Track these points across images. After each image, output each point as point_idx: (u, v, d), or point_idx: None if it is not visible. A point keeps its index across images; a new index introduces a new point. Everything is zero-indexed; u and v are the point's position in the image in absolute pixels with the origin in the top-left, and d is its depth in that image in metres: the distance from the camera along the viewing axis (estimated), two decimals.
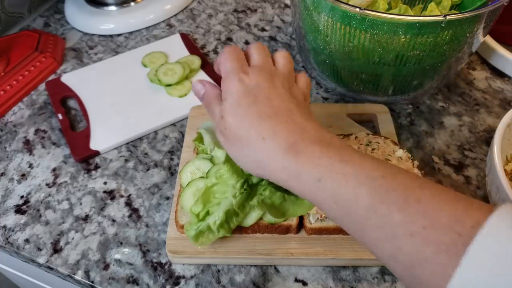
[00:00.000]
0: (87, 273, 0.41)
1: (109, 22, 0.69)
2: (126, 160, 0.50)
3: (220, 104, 0.34)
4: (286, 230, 0.40)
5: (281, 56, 0.37)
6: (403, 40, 0.43)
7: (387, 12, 0.47)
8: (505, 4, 0.43)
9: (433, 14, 0.52)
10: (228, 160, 0.38)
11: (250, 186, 0.38)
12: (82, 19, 0.69)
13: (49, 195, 0.47)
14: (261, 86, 0.33)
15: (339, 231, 0.40)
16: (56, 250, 0.42)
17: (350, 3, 0.48)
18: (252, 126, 0.31)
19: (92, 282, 0.40)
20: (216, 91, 0.36)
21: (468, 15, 0.41)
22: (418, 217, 0.25)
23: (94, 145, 0.50)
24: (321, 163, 0.29)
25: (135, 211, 0.45)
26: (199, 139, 0.44)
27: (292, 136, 0.30)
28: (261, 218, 0.40)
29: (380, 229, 0.26)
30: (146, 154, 0.51)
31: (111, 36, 0.68)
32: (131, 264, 0.41)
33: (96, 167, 0.49)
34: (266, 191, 0.38)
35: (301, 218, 0.40)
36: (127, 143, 0.52)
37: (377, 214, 0.27)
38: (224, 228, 0.38)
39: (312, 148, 0.30)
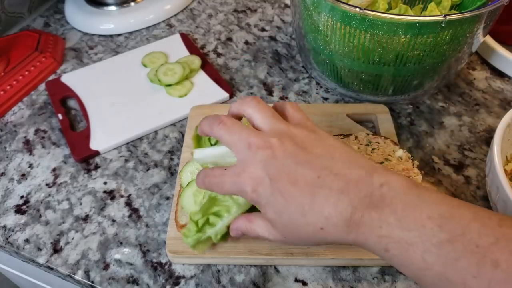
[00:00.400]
0: (87, 273, 0.41)
1: (109, 22, 0.69)
2: (126, 160, 0.50)
3: (261, 222, 0.33)
4: None
5: (256, 110, 0.33)
6: (403, 40, 0.43)
7: (387, 12, 0.47)
8: (505, 4, 0.43)
9: (433, 14, 0.52)
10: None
11: None
12: (82, 19, 0.69)
13: (49, 195, 0.47)
14: (274, 178, 0.30)
15: None
16: (56, 250, 0.42)
17: (350, 3, 0.48)
18: (303, 226, 0.30)
19: (92, 282, 0.40)
20: (241, 219, 0.35)
21: (468, 15, 0.41)
22: (497, 283, 0.24)
23: (94, 145, 0.50)
24: (383, 233, 0.27)
25: (135, 211, 0.45)
26: (196, 142, 0.41)
27: (343, 212, 0.28)
28: None
29: None
30: (146, 154, 0.51)
31: (111, 36, 0.68)
32: (131, 264, 0.41)
33: (96, 167, 0.49)
34: None
35: None
36: (127, 143, 0.52)
37: (451, 282, 0.25)
38: (225, 238, 0.37)
39: (369, 215, 0.28)
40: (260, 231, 0.33)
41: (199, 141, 0.39)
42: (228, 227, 0.36)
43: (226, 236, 0.37)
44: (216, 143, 0.38)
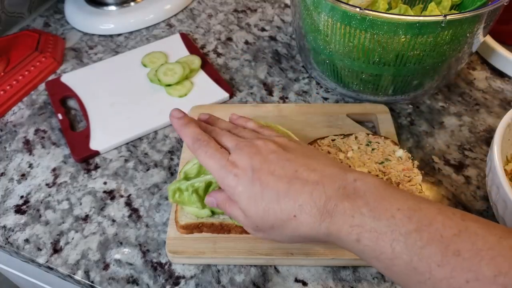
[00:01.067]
0: (87, 273, 0.40)
1: (109, 22, 0.69)
2: (126, 160, 0.50)
3: (236, 207, 0.34)
4: None
5: (228, 127, 0.39)
6: (403, 40, 0.43)
7: (387, 12, 0.47)
8: (505, 4, 0.43)
9: (433, 14, 0.52)
10: None
11: None
12: (82, 19, 0.69)
13: (49, 195, 0.47)
14: (256, 168, 0.32)
15: None
16: (56, 250, 0.42)
17: (350, 3, 0.48)
18: (277, 212, 0.31)
19: (92, 282, 0.40)
20: (224, 195, 0.35)
21: (468, 15, 0.41)
22: (460, 271, 0.25)
23: (94, 145, 0.50)
24: (355, 223, 0.29)
25: (135, 211, 0.45)
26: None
27: (317, 200, 0.30)
28: None
29: (423, 285, 0.26)
30: (146, 154, 0.51)
31: (111, 36, 0.68)
32: (131, 264, 0.41)
33: (96, 167, 0.49)
34: None
35: None
36: (127, 143, 0.52)
37: (417, 271, 0.26)
38: (199, 196, 0.38)
39: (342, 205, 0.29)
40: (236, 214, 0.34)
41: None
42: (207, 185, 0.38)
43: (200, 194, 0.39)
44: None
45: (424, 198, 0.29)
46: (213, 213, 0.40)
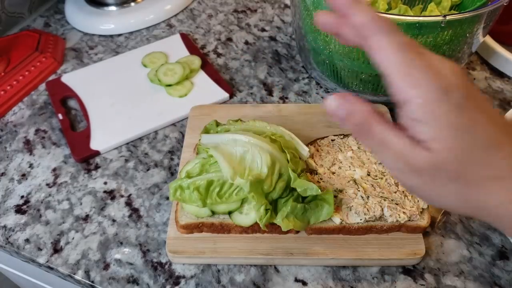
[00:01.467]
0: (87, 273, 0.41)
1: (109, 22, 0.69)
2: (126, 160, 0.50)
3: (395, 130, 0.24)
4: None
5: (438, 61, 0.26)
6: None
7: (386, 12, 0.47)
8: (505, 4, 0.43)
9: (433, 14, 0.52)
10: (253, 189, 0.37)
11: (271, 203, 0.39)
12: (82, 19, 0.69)
13: (49, 195, 0.47)
14: (470, 95, 0.23)
15: (339, 231, 0.40)
16: (56, 250, 0.42)
17: None
18: (480, 161, 0.23)
19: (92, 282, 0.40)
20: (367, 107, 0.25)
21: (468, 15, 0.41)
22: None
23: (94, 145, 0.50)
24: None
25: (135, 211, 0.45)
26: (204, 130, 0.44)
27: None
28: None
29: None
30: (146, 154, 0.51)
31: (111, 36, 0.68)
32: (131, 264, 0.41)
33: (96, 167, 0.50)
34: (287, 205, 0.38)
35: None
36: (127, 143, 0.52)
37: None
38: (200, 194, 0.38)
39: None
40: (388, 138, 0.24)
41: (207, 130, 0.45)
42: (208, 183, 0.38)
43: (202, 192, 0.38)
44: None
45: None
46: (213, 212, 0.40)
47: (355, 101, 0.24)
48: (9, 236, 0.44)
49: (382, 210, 0.40)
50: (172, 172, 0.49)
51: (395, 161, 0.24)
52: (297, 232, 0.41)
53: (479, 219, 0.25)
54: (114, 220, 0.44)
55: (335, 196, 0.40)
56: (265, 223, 0.38)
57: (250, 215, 0.39)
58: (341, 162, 0.44)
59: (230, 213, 0.40)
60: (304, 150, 0.43)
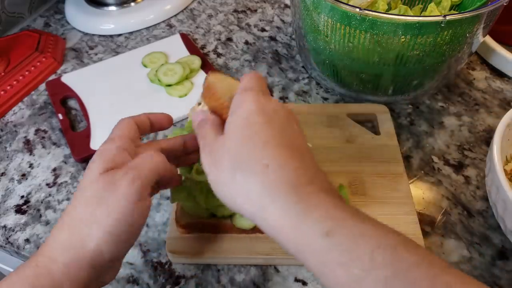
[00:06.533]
0: None
1: (109, 22, 0.69)
2: None
3: (217, 125, 0.30)
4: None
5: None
6: (403, 40, 0.44)
7: (387, 12, 0.47)
8: (505, 4, 0.43)
9: (432, 14, 0.52)
10: None
11: None
12: (82, 19, 0.69)
13: (50, 195, 0.47)
14: (278, 113, 0.28)
15: None
16: None
17: (350, 3, 0.48)
18: (257, 149, 0.26)
19: None
20: (213, 116, 0.31)
21: (467, 15, 0.41)
22: None
23: (94, 145, 0.50)
24: (335, 215, 0.24)
25: None
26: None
27: (305, 175, 0.25)
28: None
29: None
30: None
31: (111, 36, 0.68)
32: (131, 264, 0.41)
33: None
34: None
35: None
36: None
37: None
38: (201, 197, 0.38)
39: (325, 195, 0.25)
40: (205, 128, 0.30)
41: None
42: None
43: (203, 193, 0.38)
44: None
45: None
46: (213, 215, 0.40)
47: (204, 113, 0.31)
48: (9, 236, 0.44)
49: None
50: None
51: (205, 144, 0.29)
52: None
53: (246, 215, 0.27)
54: None
55: None
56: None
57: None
58: None
59: (231, 216, 0.40)
60: None
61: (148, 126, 0.35)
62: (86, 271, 0.27)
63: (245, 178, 0.26)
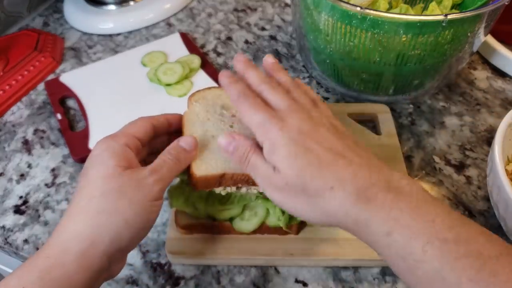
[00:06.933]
0: None
1: (108, 21, 0.68)
2: None
3: (264, 159, 0.31)
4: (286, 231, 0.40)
5: (289, 82, 0.34)
6: (404, 39, 0.43)
7: (388, 11, 0.47)
8: (506, 3, 0.43)
9: (434, 13, 0.51)
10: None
11: None
12: (81, 19, 0.69)
13: (48, 195, 0.47)
14: (304, 131, 0.30)
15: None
16: None
17: (351, 2, 0.47)
18: (315, 176, 0.29)
19: None
20: (249, 141, 0.32)
21: (469, 14, 0.41)
22: None
23: (93, 145, 0.50)
24: (391, 216, 0.27)
25: None
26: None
27: (360, 181, 0.28)
28: (262, 222, 0.39)
29: None
30: None
31: (110, 35, 0.68)
32: (130, 264, 0.41)
33: None
34: None
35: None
36: None
37: (445, 281, 0.25)
38: (201, 201, 0.38)
39: (383, 195, 0.28)
40: (259, 164, 0.31)
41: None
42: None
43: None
44: None
45: (469, 219, 0.28)
46: (214, 219, 0.40)
47: (239, 138, 0.32)
48: (8, 237, 0.44)
49: None
50: None
51: (263, 180, 0.31)
52: (298, 232, 0.40)
53: (334, 226, 0.30)
54: None
55: None
56: (285, 222, 0.38)
57: (252, 221, 0.39)
58: None
59: (231, 219, 0.40)
60: None
61: (166, 127, 0.37)
62: (99, 260, 0.29)
63: (319, 202, 0.29)
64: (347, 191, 0.28)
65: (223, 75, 0.34)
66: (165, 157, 0.33)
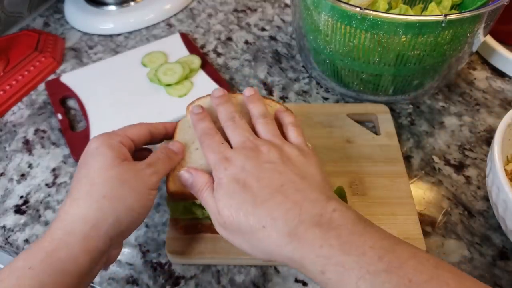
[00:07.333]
0: None
1: (108, 21, 0.68)
2: None
3: (212, 196, 0.33)
4: None
5: (259, 114, 0.37)
6: (403, 40, 0.43)
7: (387, 12, 0.47)
8: (506, 4, 0.43)
9: (433, 14, 0.51)
10: None
11: None
12: (81, 19, 0.69)
13: (49, 195, 0.47)
14: (247, 169, 0.32)
15: None
16: None
17: (350, 2, 0.47)
18: (249, 215, 0.30)
19: (92, 282, 0.40)
20: (204, 178, 0.34)
21: (468, 14, 0.41)
22: None
23: None
24: (323, 253, 0.28)
25: None
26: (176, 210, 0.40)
27: (290, 220, 0.29)
28: None
29: None
30: None
31: (110, 35, 0.68)
32: (130, 264, 0.41)
33: None
34: None
35: None
36: None
37: None
38: (200, 205, 0.38)
39: (313, 232, 0.28)
40: (210, 202, 0.33)
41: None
42: None
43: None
44: None
45: (401, 241, 0.28)
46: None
47: (196, 174, 0.35)
48: (9, 237, 0.44)
49: None
50: None
51: (212, 216, 0.33)
52: None
53: (278, 264, 0.32)
54: None
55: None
56: None
57: None
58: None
59: None
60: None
61: (162, 134, 0.39)
62: (102, 242, 0.30)
63: (255, 241, 0.30)
64: (279, 231, 0.29)
65: (192, 112, 0.39)
66: (158, 154, 0.36)
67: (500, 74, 0.59)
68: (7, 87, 0.57)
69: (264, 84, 0.59)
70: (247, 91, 0.40)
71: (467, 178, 0.47)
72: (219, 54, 0.64)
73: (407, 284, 0.25)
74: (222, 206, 0.31)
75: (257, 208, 0.30)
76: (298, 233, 0.29)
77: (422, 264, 0.26)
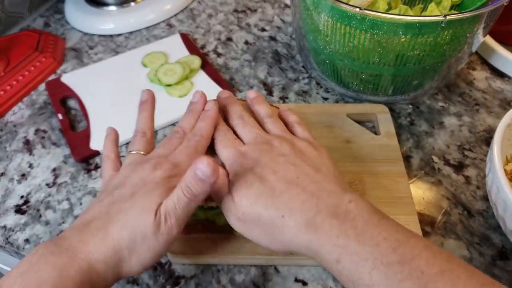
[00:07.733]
0: None
1: (109, 22, 0.69)
2: None
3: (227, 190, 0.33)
4: None
5: (266, 114, 0.38)
6: (403, 40, 0.43)
7: (387, 12, 0.47)
8: (505, 4, 0.43)
9: (433, 14, 0.52)
10: None
11: None
12: (82, 19, 0.69)
13: (49, 195, 0.47)
14: (262, 162, 0.33)
15: None
16: None
17: (350, 3, 0.48)
18: (268, 205, 0.31)
19: None
20: (224, 171, 0.34)
21: (468, 15, 0.41)
22: None
23: (94, 145, 0.50)
24: (339, 243, 0.28)
25: None
26: None
27: (308, 210, 0.30)
28: None
29: None
30: None
31: (111, 36, 0.68)
32: None
33: (96, 167, 0.49)
34: None
35: None
36: (127, 143, 0.52)
37: None
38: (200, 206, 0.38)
39: (330, 222, 0.29)
40: (222, 197, 0.33)
41: None
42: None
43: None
44: None
45: (415, 234, 0.29)
46: (213, 222, 0.40)
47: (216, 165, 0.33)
48: (9, 236, 0.44)
49: None
50: None
51: (225, 210, 0.33)
52: None
53: (294, 253, 0.32)
54: None
55: None
56: None
57: None
58: None
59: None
60: None
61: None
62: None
63: (274, 231, 0.31)
64: (297, 220, 0.30)
65: (205, 111, 0.41)
66: (180, 194, 0.31)
67: (500, 74, 0.59)
68: (8, 87, 0.57)
69: (264, 84, 0.59)
70: (251, 94, 0.41)
71: (467, 178, 0.47)
72: (219, 54, 0.64)
73: (419, 276, 0.26)
74: (240, 198, 0.32)
75: (275, 199, 0.31)
76: (315, 223, 0.29)
77: (435, 257, 0.27)
